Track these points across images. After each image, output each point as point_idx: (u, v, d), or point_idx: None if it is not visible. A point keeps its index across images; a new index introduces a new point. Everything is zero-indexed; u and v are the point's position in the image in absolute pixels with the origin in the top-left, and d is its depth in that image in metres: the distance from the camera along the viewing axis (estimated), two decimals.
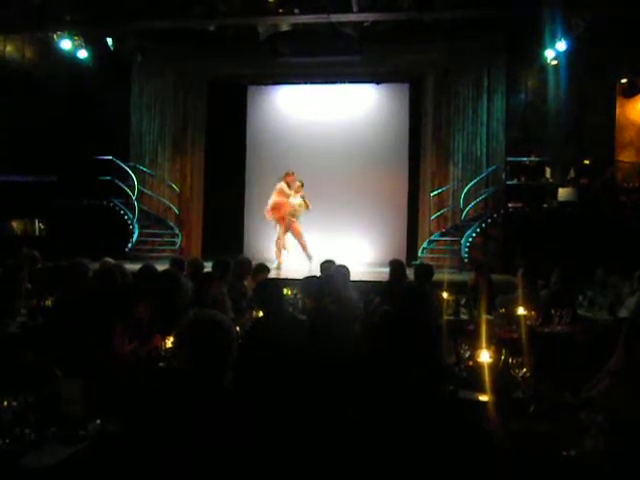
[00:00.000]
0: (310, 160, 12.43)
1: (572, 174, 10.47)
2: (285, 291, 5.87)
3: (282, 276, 8.55)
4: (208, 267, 6.42)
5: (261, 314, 4.33)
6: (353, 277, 5.95)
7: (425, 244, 11.05)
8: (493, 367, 3.14)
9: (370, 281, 8.12)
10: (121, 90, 11.52)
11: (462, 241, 10.37)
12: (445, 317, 5.07)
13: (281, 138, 12.59)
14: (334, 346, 3.94)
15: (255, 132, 12.80)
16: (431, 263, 9.19)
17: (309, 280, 4.98)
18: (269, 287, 4.17)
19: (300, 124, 12.63)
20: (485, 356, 3.21)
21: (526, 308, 4.76)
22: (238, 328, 4.38)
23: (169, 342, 3.50)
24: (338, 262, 6.37)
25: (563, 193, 10.32)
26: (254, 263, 6.62)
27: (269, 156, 12.61)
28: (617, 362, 2.79)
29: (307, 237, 11.68)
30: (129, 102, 11.77)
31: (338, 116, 12.59)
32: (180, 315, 2.54)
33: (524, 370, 3.03)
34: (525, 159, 10.85)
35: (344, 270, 5.61)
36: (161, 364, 3.50)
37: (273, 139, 12.62)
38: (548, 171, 10.75)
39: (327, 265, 6.35)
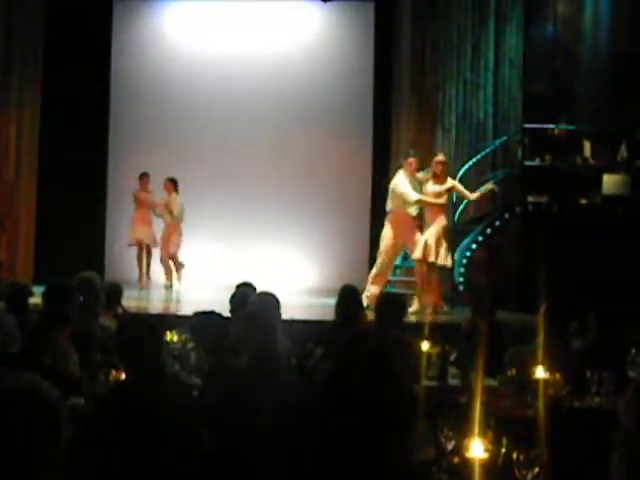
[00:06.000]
0: (217, 121, 12.39)
1: (624, 152, 10.75)
2: (168, 336, 5.80)
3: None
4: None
5: (124, 376, 4.25)
6: (286, 314, 5.93)
7: (398, 261, 11.12)
8: (489, 466, 3.17)
9: (310, 321, 8.15)
10: None
11: (455, 256, 10.49)
12: (424, 382, 5.08)
13: (170, 84, 12.51)
14: (244, 432, 3.91)
15: (126, 73, 12.67)
16: (404, 292, 9.28)
17: (205, 319, 4.93)
18: (136, 329, 4.09)
19: (202, 62, 12.59)
20: (478, 448, 3.24)
21: (548, 368, 4.83)
22: (84, 402, 4.33)
23: None
24: (261, 289, 6.32)
25: (610, 182, 10.59)
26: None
27: (149, 112, 12.49)
28: None
29: (211, 248, 11.69)
30: None
31: (263, 51, 12.64)
32: None
33: (536, 470, 3.05)
34: (553, 127, 11.10)
35: (271, 302, 5.56)
36: None
37: (157, 85, 12.53)
38: (587, 146, 11.02)
39: (242, 292, 6.30)
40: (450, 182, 9.88)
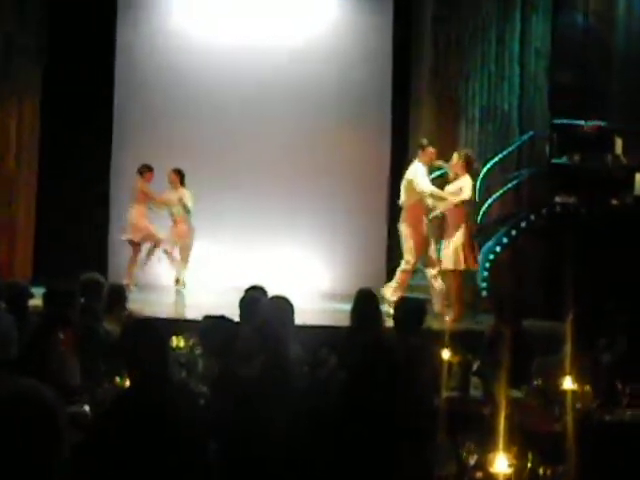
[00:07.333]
0: (227, 113, 12.39)
1: None
2: (174, 342, 5.81)
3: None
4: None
5: (128, 383, 4.27)
6: (299, 319, 5.92)
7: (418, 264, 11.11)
8: None
9: (323, 327, 8.14)
10: None
11: (478, 259, 10.47)
12: (445, 393, 5.08)
13: (178, 75, 12.51)
14: (255, 442, 3.92)
15: (130, 66, 12.66)
16: (424, 297, 9.24)
17: (214, 324, 4.94)
18: (141, 334, 4.09)
19: (211, 51, 12.60)
20: (502, 463, 3.23)
21: (577, 379, 4.82)
22: (87, 408, 4.35)
23: None
24: (271, 292, 6.32)
25: None
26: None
27: (155, 107, 12.50)
28: None
29: (218, 248, 11.69)
30: None
31: (275, 39, 12.62)
32: None
33: None
34: (582, 123, 11.06)
35: (284, 306, 5.55)
36: None
37: (163, 76, 12.52)
38: (619, 144, 10.99)
39: (251, 296, 6.31)
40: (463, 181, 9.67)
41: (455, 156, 9.81)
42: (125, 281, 10.47)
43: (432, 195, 9.78)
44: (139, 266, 11.46)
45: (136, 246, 11.39)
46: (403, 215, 9.97)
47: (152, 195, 11.40)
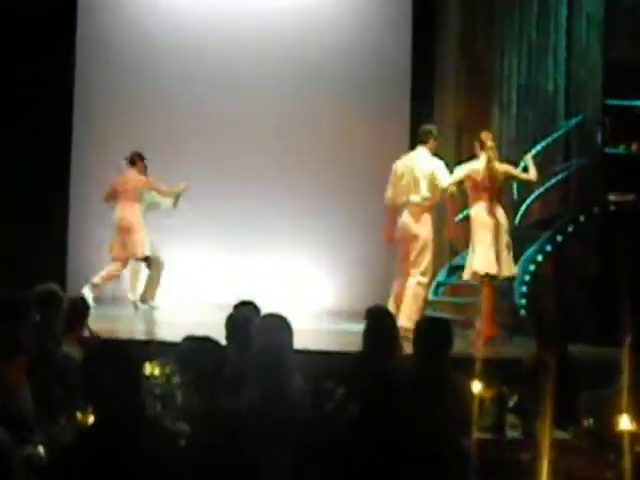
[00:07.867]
0: (206, 96, 12.45)
1: None
2: (147, 369, 5.83)
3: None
4: None
5: (92, 420, 4.29)
6: (297, 343, 5.96)
7: (441, 276, 11.13)
8: None
9: (327, 352, 8.18)
10: None
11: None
12: (476, 434, 5.06)
13: (153, 47, 12.60)
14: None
15: (96, 35, 12.73)
16: (450, 317, 9.26)
17: (197, 347, 4.95)
18: (107, 359, 4.11)
19: (196, 18, 12.68)
20: None
21: (635, 417, 4.82)
22: (42, 450, 4.35)
23: None
24: (268, 310, 6.34)
25: None
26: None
27: (125, 84, 12.58)
28: None
29: (200, 256, 11.72)
30: None
31: (274, 4, 12.67)
32: None
33: None
34: None
35: (281, 327, 5.59)
36: None
37: (135, 49, 12.62)
38: None
39: (241, 314, 6.34)
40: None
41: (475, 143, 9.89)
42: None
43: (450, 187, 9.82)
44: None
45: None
46: (416, 212, 9.92)
47: (155, 185, 11.26)
